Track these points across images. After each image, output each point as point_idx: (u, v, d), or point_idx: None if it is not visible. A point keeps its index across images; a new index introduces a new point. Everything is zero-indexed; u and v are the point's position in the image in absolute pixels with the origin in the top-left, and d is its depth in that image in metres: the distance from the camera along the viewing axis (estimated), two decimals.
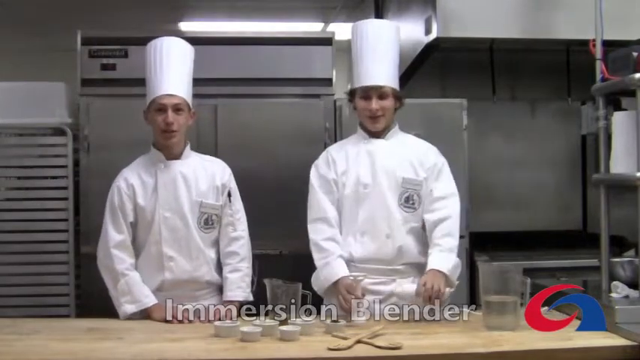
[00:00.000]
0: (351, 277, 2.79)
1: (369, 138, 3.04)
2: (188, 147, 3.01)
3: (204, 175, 2.98)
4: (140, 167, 2.97)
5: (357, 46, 3.05)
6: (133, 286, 2.85)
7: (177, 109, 2.89)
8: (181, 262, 2.91)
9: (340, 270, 2.89)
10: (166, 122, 2.87)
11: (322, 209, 2.98)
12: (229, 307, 2.87)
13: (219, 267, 3.02)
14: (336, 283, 2.87)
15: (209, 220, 2.96)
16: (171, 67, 2.93)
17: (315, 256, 2.95)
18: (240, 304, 2.94)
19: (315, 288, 2.91)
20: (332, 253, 2.92)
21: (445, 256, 2.88)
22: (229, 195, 3.01)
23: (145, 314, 2.84)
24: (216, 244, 3.02)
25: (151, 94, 2.92)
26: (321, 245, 2.94)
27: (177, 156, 2.97)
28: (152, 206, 2.90)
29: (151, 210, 2.90)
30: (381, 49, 3.01)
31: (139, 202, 2.90)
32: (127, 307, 2.83)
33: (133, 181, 2.93)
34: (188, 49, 3.02)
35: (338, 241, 2.96)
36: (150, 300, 2.84)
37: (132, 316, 2.84)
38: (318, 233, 2.96)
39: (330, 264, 2.91)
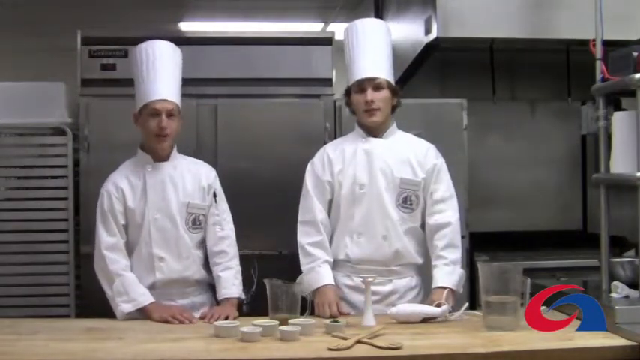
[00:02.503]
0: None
1: (366, 137, 3.03)
2: (175, 149, 3.04)
3: (190, 176, 3.02)
4: (128, 171, 3.00)
5: (348, 46, 3.06)
6: (128, 285, 2.86)
7: (170, 114, 2.92)
8: (171, 263, 2.94)
9: (324, 277, 2.92)
10: (160, 127, 2.90)
11: (312, 212, 2.99)
12: (228, 305, 2.91)
13: (207, 265, 3.05)
14: (319, 290, 2.89)
15: (196, 221, 2.99)
16: (164, 72, 2.95)
17: (302, 260, 2.98)
18: (238, 301, 2.97)
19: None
20: (318, 258, 2.95)
21: (450, 271, 2.91)
22: (214, 196, 3.04)
23: (143, 314, 2.85)
24: (203, 243, 3.05)
25: (144, 98, 2.93)
26: (307, 250, 2.97)
27: (165, 158, 3.00)
28: (142, 208, 2.93)
29: (140, 212, 2.93)
30: (371, 44, 3.02)
31: (129, 205, 2.93)
32: (124, 307, 2.83)
33: (122, 185, 2.95)
34: (177, 53, 3.05)
35: (325, 247, 2.98)
36: (146, 298, 2.85)
37: (130, 316, 2.84)
38: (305, 236, 2.99)
39: (315, 269, 2.93)
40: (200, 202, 3.00)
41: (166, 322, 2.76)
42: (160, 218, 2.92)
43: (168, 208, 2.94)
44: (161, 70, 2.94)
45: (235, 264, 3.03)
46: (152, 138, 2.93)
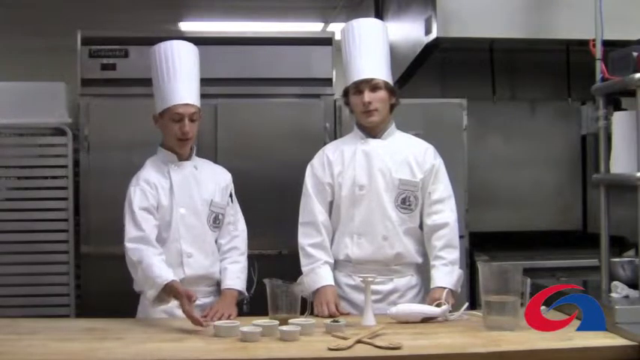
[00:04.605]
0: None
1: (365, 138, 3.04)
2: (194, 150, 3.07)
3: (210, 176, 3.06)
4: (153, 169, 3.00)
5: (345, 47, 3.06)
6: (146, 270, 2.77)
7: (192, 118, 2.95)
8: (199, 259, 2.95)
9: (324, 278, 2.92)
10: (183, 132, 2.92)
11: (313, 213, 3.00)
12: (228, 298, 2.92)
13: None
14: (318, 291, 2.90)
15: (217, 219, 3.03)
16: (185, 74, 2.97)
17: (302, 261, 2.99)
18: (239, 294, 2.97)
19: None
20: (318, 260, 2.95)
21: (449, 271, 2.91)
22: (231, 196, 3.09)
23: (168, 296, 2.76)
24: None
25: (167, 101, 2.94)
26: (308, 251, 2.98)
27: (187, 158, 3.03)
28: (169, 205, 2.94)
29: (168, 208, 2.94)
30: (368, 44, 3.02)
31: (161, 201, 2.93)
32: (149, 293, 2.77)
33: (154, 181, 2.95)
34: (195, 52, 3.07)
35: (325, 248, 2.99)
36: (162, 279, 2.72)
37: (159, 301, 2.77)
38: (306, 238, 3.00)
39: (315, 271, 2.94)
40: (220, 200, 3.04)
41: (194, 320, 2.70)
42: (186, 214, 2.94)
43: (194, 204, 2.97)
44: (182, 72, 2.96)
45: (243, 260, 3.06)
46: (174, 141, 2.96)
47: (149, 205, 2.90)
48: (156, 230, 2.89)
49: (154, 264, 2.78)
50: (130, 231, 2.86)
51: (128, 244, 2.84)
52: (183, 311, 2.67)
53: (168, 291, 2.73)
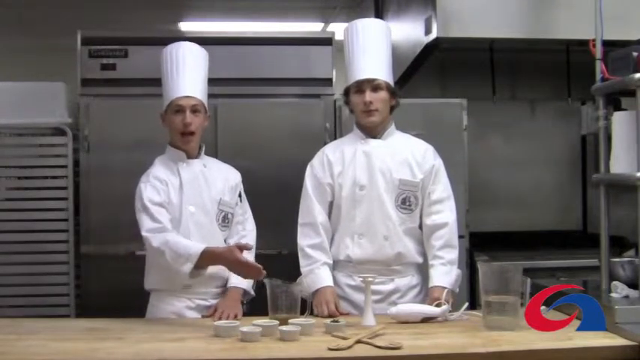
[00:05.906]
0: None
1: (365, 138, 3.04)
2: (203, 149, 3.06)
3: (220, 175, 3.06)
4: (162, 166, 2.99)
5: (348, 46, 3.06)
6: (175, 247, 2.75)
7: (194, 110, 2.94)
8: None
9: (323, 279, 2.93)
10: (184, 123, 2.91)
11: (312, 214, 3.00)
12: (234, 296, 2.91)
13: None
14: (317, 291, 2.90)
15: (225, 218, 3.02)
16: (189, 70, 2.99)
17: (301, 262, 2.99)
18: (244, 292, 2.96)
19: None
20: (317, 261, 2.96)
21: (447, 271, 2.92)
22: (240, 196, 3.10)
23: (210, 262, 2.77)
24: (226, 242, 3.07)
25: (169, 95, 2.96)
26: (307, 252, 2.98)
27: (195, 156, 3.03)
28: (179, 202, 2.93)
29: (178, 206, 2.93)
30: (371, 45, 3.02)
31: (171, 198, 2.92)
32: (184, 268, 2.72)
33: (164, 178, 2.94)
34: (203, 54, 3.08)
35: (324, 249, 2.99)
36: (196, 249, 2.72)
37: (195, 275, 2.77)
38: (305, 239, 3.00)
39: (314, 272, 2.95)
40: (229, 200, 3.04)
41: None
42: (196, 212, 2.93)
43: (203, 202, 2.96)
44: (185, 69, 2.97)
45: (250, 259, 3.00)
46: (178, 136, 2.95)
47: (161, 200, 2.89)
48: (170, 224, 2.87)
49: (181, 241, 2.78)
50: (146, 223, 2.83)
51: (147, 234, 2.81)
52: (239, 262, 2.66)
53: (207, 258, 2.72)
